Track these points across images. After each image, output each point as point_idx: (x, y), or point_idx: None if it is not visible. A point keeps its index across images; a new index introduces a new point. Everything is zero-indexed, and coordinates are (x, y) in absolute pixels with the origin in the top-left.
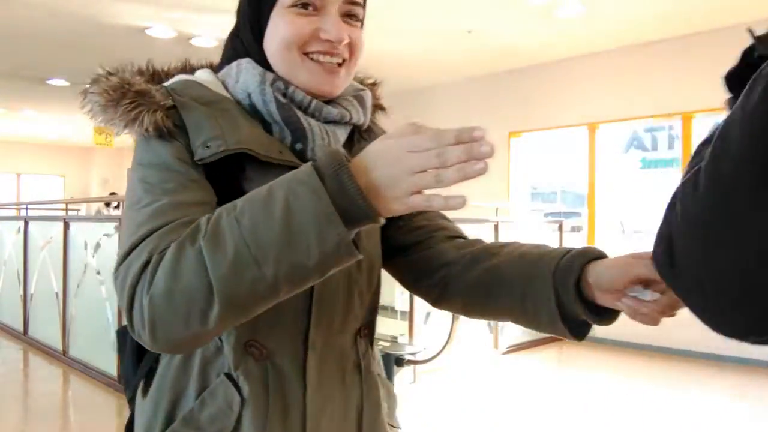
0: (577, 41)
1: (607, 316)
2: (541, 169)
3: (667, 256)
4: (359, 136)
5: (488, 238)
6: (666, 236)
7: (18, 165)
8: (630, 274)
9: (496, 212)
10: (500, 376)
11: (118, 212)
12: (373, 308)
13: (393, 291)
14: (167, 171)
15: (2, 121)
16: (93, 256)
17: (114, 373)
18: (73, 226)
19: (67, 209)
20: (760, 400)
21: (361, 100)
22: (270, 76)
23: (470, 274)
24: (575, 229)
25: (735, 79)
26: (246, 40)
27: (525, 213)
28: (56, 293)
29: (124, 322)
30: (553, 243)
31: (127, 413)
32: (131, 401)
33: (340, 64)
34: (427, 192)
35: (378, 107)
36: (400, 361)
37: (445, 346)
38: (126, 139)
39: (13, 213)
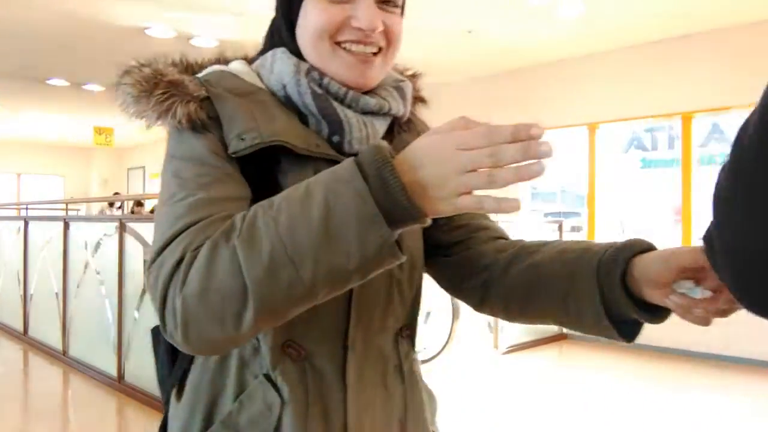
0: (577, 41)
1: (659, 313)
2: None
3: (708, 236)
4: (399, 128)
5: None
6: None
7: (18, 165)
8: (676, 265)
9: None
10: (500, 376)
11: (121, 212)
12: (414, 308)
13: None
14: (201, 165)
15: (2, 121)
16: (93, 256)
17: (114, 373)
18: (73, 226)
19: (67, 209)
20: (760, 399)
21: (400, 91)
22: (305, 66)
23: (509, 274)
24: (575, 229)
25: None
26: (280, 29)
27: (525, 213)
28: (56, 293)
29: (125, 321)
30: None
31: (127, 413)
32: (166, 403)
33: (375, 53)
34: (477, 193)
35: (418, 99)
36: None
37: (445, 346)
38: (126, 140)
39: (13, 213)
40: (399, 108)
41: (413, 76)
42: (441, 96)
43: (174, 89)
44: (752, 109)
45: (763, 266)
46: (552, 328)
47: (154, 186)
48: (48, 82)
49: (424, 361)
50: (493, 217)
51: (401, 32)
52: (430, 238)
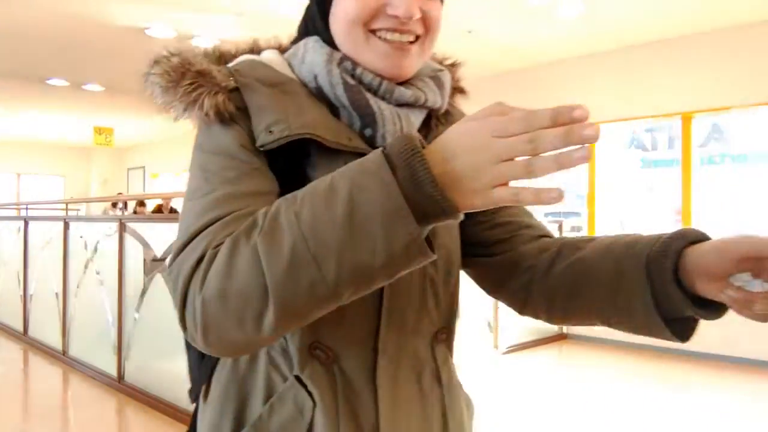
0: (577, 41)
1: (714, 309)
2: None
3: None
4: (436, 121)
5: None
6: None
7: (18, 165)
8: (732, 255)
9: None
10: (500, 376)
11: (124, 212)
12: (451, 310)
13: None
14: (228, 158)
15: (2, 121)
16: (93, 256)
17: (114, 373)
18: (73, 226)
19: (67, 209)
20: (760, 399)
21: (438, 81)
22: (337, 55)
23: (552, 272)
24: (575, 229)
25: None
26: (314, 17)
27: None
28: (56, 293)
29: (125, 321)
30: None
31: (127, 413)
32: (195, 400)
33: (412, 42)
34: (514, 184)
35: (457, 90)
36: None
37: None
38: (126, 140)
39: (13, 213)
40: (436, 99)
41: (453, 66)
42: None
43: (202, 79)
44: (752, 109)
45: None
46: (552, 328)
47: (154, 186)
48: (48, 82)
49: None
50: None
51: (440, 19)
52: (469, 235)
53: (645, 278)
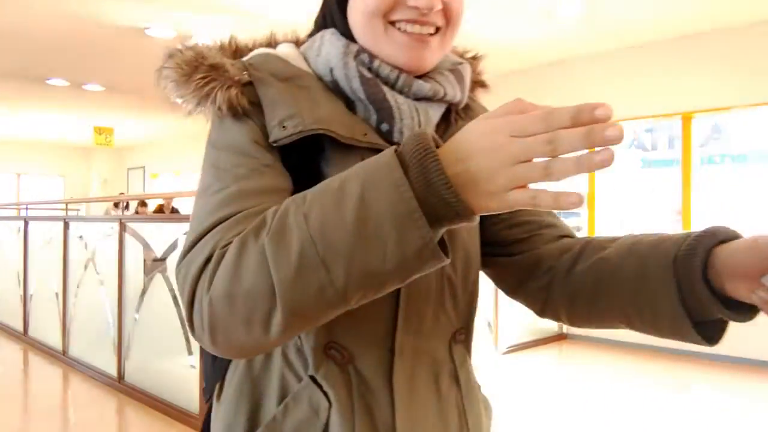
0: (577, 41)
1: (744, 310)
2: None
3: None
4: (456, 116)
5: None
6: None
7: (18, 165)
8: (766, 253)
9: None
10: (500, 376)
11: (126, 212)
12: (469, 310)
13: None
14: (240, 155)
15: (2, 121)
16: (93, 256)
17: (114, 373)
18: (73, 226)
19: (67, 209)
20: (761, 399)
21: (458, 75)
22: (354, 47)
23: (574, 273)
24: (575, 229)
25: None
26: (331, 9)
27: None
28: (56, 293)
29: (125, 321)
30: None
31: (127, 413)
32: (209, 399)
33: (432, 34)
34: (532, 187)
35: (478, 84)
36: None
37: None
38: (126, 140)
39: (13, 213)
40: (455, 93)
41: (474, 59)
42: None
43: (215, 73)
44: (752, 109)
45: None
46: (552, 328)
47: (154, 186)
48: (48, 82)
49: None
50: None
51: (462, 10)
52: (487, 234)
53: (672, 278)
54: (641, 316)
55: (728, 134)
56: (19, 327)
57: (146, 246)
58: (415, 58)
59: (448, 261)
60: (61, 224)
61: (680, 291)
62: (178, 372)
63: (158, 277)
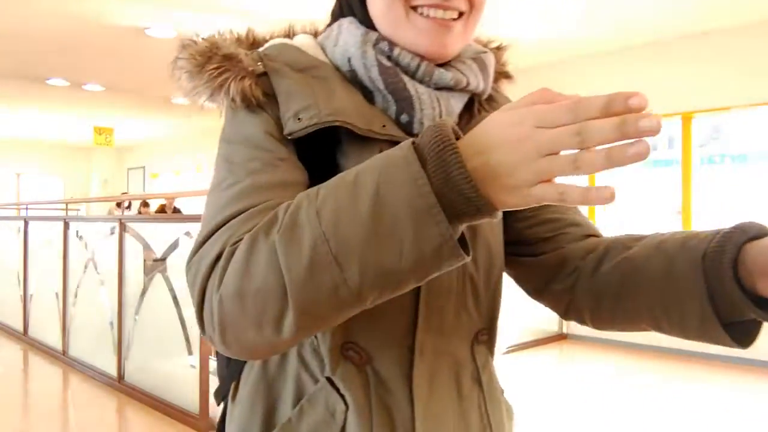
0: (577, 41)
1: None
2: None
3: None
4: (479, 107)
5: None
6: None
7: (18, 165)
8: None
9: None
10: (500, 376)
11: (128, 212)
12: (492, 310)
13: None
14: (254, 148)
15: (2, 121)
16: (93, 256)
17: (114, 373)
18: (73, 226)
19: (67, 209)
20: (761, 399)
21: (481, 64)
22: (373, 35)
23: (599, 272)
24: None
25: None
26: None
27: None
28: (56, 293)
29: (125, 321)
30: None
31: (127, 413)
32: (224, 399)
33: (455, 19)
34: (559, 181)
35: (502, 74)
36: None
37: None
38: (126, 140)
39: (13, 213)
40: (478, 83)
41: (498, 49)
42: None
43: (228, 64)
44: (752, 109)
45: None
46: (552, 329)
47: (154, 186)
48: (48, 82)
49: None
50: None
51: None
52: (510, 233)
53: (701, 276)
54: (668, 317)
55: (728, 134)
56: (19, 327)
57: (146, 246)
58: (437, 44)
59: (468, 259)
60: (61, 224)
61: (709, 290)
62: (178, 372)
63: (158, 277)
